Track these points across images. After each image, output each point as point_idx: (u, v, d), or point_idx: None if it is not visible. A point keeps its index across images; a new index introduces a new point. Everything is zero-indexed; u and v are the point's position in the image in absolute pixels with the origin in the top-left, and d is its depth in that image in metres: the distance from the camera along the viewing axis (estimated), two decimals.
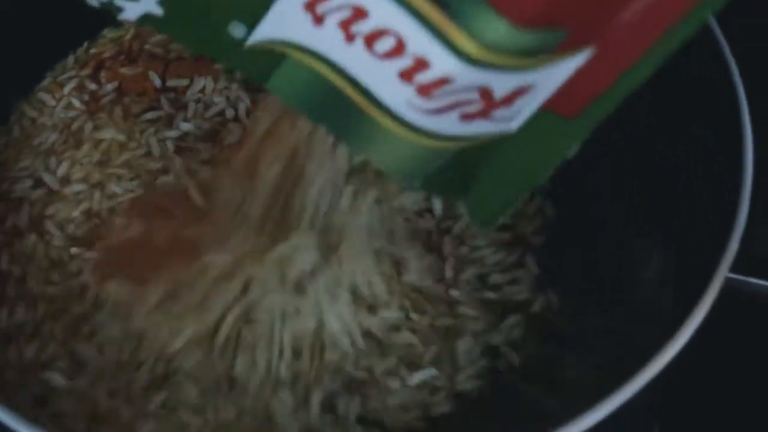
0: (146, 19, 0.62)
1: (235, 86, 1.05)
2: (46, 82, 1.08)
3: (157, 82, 1.07)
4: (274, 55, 0.63)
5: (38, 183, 0.99)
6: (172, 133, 1.02)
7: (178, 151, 1.00)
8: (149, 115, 1.04)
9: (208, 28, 0.63)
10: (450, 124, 0.60)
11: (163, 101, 1.05)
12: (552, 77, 0.58)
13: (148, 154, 1.00)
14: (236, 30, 0.62)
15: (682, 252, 0.84)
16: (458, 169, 0.66)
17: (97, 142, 1.02)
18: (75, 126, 1.04)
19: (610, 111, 0.61)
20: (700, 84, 0.86)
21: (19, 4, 1.01)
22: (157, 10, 0.62)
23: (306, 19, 0.59)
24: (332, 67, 0.60)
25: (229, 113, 1.04)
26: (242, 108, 1.04)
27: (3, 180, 1.00)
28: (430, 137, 0.61)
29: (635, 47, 0.57)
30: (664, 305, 0.82)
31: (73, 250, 0.93)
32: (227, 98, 1.06)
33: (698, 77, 0.85)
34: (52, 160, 1.00)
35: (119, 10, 0.62)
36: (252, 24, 0.61)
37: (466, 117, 0.60)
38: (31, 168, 1.00)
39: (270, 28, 0.61)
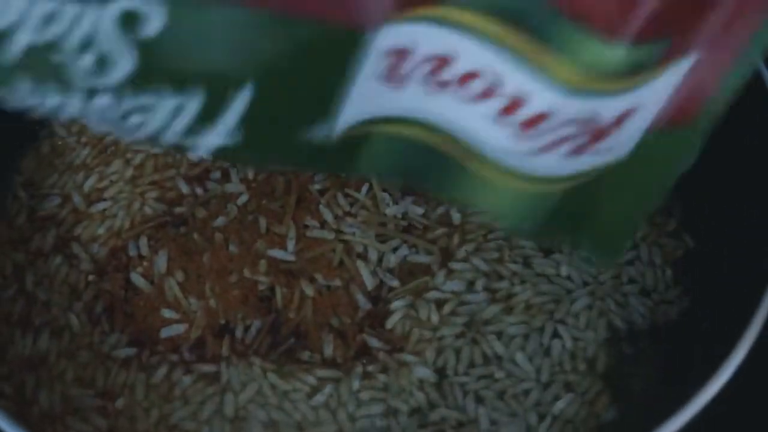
0: (220, 151, 0.55)
1: None
2: None
3: None
4: (352, 142, 0.57)
5: (66, 200, 0.95)
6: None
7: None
8: None
9: (285, 140, 0.56)
10: (555, 164, 0.55)
11: None
12: (657, 92, 0.52)
13: (178, 174, 0.95)
14: (315, 131, 0.55)
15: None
16: (569, 209, 0.60)
17: (131, 156, 0.97)
18: (109, 139, 0.99)
19: (719, 114, 0.57)
20: None
21: None
22: (231, 140, 0.54)
23: (386, 89, 0.54)
24: (422, 126, 0.55)
25: None
26: None
27: (32, 197, 0.95)
28: (534, 181, 0.56)
29: (733, 43, 0.52)
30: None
31: (91, 277, 0.89)
32: None
33: None
34: (81, 176, 0.96)
35: (189, 149, 0.55)
36: (329, 119, 0.55)
37: (572, 153, 0.54)
38: (60, 184, 0.96)
39: (350, 114, 0.55)
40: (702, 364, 0.76)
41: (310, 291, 0.87)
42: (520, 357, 0.85)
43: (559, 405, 0.83)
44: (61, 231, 0.92)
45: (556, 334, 0.87)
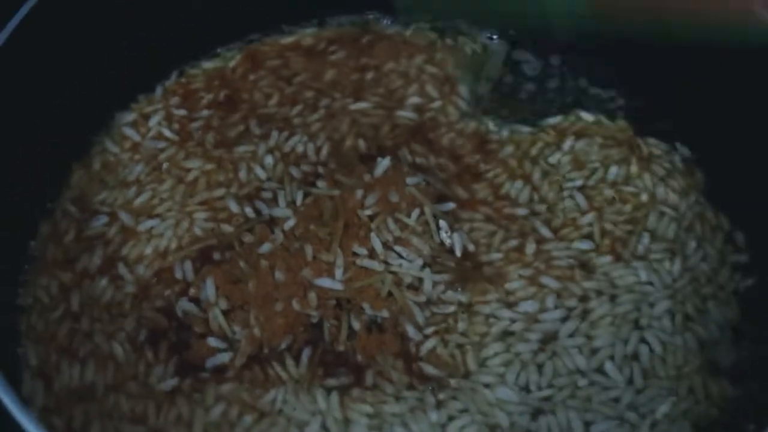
0: None
1: (323, 135, 0.95)
2: (130, 117, 0.98)
3: (256, 130, 0.96)
4: None
5: (114, 218, 0.89)
6: (261, 172, 0.91)
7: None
8: (240, 149, 0.94)
9: None
10: None
11: (253, 126, 0.96)
12: None
13: (229, 193, 0.90)
14: None
15: None
16: None
17: (184, 174, 0.92)
18: (162, 157, 0.94)
19: None
20: None
21: (101, 39, 0.92)
22: None
23: None
24: None
25: (300, 149, 0.94)
26: (311, 148, 0.94)
27: (82, 212, 0.90)
28: None
29: None
30: None
31: (135, 302, 0.83)
32: (309, 137, 0.95)
33: None
34: (132, 192, 0.91)
35: None
36: None
37: None
38: (109, 201, 0.91)
39: None
40: None
41: (357, 325, 0.80)
42: (608, 366, 0.79)
43: (662, 409, 0.77)
44: (108, 251, 0.86)
45: (642, 341, 0.81)
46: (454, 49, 1.04)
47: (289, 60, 1.04)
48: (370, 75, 1.01)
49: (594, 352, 0.80)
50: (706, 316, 0.83)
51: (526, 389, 0.79)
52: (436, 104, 0.98)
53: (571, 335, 0.81)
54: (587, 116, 0.97)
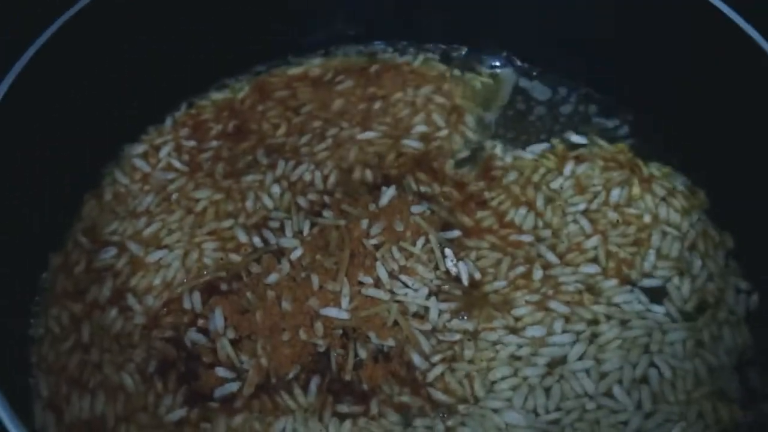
0: None
1: (330, 164, 0.96)
2: (141, 148, 0.98)
3: (263, 160, 0.97)
4: None
5: (123, 250, 0.89)
6: (268, 202, 0.92)
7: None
8: (248, 179, 0.94)
9: None
10: None
11: (260, 156, 0.97)
12: None
13: (237, 223, 0.90)
14: None
15: None
16: None
17: (193, 204, 0.92)
18: (172, 187, 0.95)
19: None
20: None
21: (111, 72, 0.93)
22: None
23: None
24: None
25: (307, 177, 0.94)
26: (318, 177, 0.94)
27: (92, 242, 0.90)
28: None
29: None
30: None
31: (144, 332, 0.83)
32: (316, 165, 0.96)
33: None
34: (142, 223, 0.91)
35: None
36: None
37: None
38: (120, 231, 0.91)
39: None
40: None
41: (364, 354, 0.80)
42: (617, 390, 0.79)
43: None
44: (117, 282, 0.87)
45: (652, 365, 0.81)
46: (463, 80, 1.05)
47: (297, 90, 1.04)
48: (377, 104, 1.02)
49: (603, 375, 0.80)
50: (719, 342, 0.82)
51: (534, 413, 0.78)
52: (443, 133, 0.98)
53: (580, 359, 0.81)
54: (580, 139, 0.98)
